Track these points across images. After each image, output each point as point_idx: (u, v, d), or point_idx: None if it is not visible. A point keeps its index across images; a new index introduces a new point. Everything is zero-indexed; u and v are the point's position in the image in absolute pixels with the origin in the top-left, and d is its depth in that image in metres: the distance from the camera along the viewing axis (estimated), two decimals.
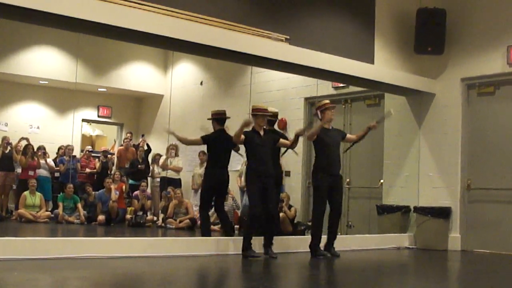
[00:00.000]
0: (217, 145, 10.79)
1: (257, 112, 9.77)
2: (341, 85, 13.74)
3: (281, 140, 10.11)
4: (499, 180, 12.04)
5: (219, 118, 10.93)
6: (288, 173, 14.11)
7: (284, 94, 14.84)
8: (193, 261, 9.01)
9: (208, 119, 11.08)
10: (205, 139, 10.86)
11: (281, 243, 10.30)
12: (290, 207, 13.12)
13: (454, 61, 12.65)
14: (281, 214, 12.71)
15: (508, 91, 12.17)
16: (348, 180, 13.42)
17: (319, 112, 10.10)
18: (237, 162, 14.69)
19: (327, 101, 10.28)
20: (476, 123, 12.47)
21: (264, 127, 9.87)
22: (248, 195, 9.86)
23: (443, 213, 12.24)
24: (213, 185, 10.88)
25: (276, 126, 13.86)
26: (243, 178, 14.15)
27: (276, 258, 9.39)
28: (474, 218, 12.32)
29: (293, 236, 12.03)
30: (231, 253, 9.81)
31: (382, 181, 13.29)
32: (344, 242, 11.27)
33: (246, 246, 9.44)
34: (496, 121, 12.24)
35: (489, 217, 12.12)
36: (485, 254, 11.69)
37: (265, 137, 9.77)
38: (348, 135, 10.67)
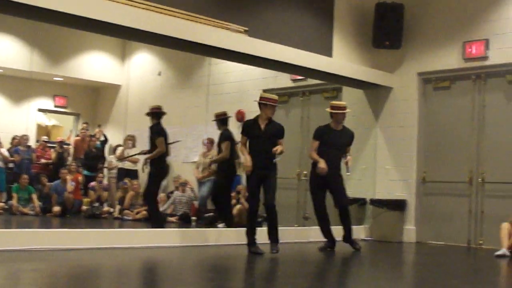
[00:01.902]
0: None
1: (266, 102, 9.22)
2: (299, 77, 13.77)
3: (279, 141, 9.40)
4: (453, 173, 12.22)
5: (155, 112, 11.41)
6: None
7: (242, 86, 14.83)
8: (150, 253, 8.98)
9: (146, 114, 11.55)
10: None
11: (237, 234, 10.33)
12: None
13: (411, 55, 12.78)
14: (238, 206, 12.76)
15: (463, 86, 12.33)
16: (305, 172, 13.46)
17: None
18: (195, 154, 14.71)
19: (344, 104, 10.37)
20: (432, 117, 12.62)
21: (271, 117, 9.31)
22: (246, 189, 9.49)
23: (399, 205, 12.38)
24: None
25: (234, 119, 13.95)
26: (200, 169, 14.16)
27: (277, 252, 9.06)
28: (429, 211, 12.49)
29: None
30: (188, 245, 9.83)
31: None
32: (301, 234, 11.34)
33: (249, 242, 9.21)
34: (451, 115, 12.41)
35: (443, 209, 12.29)
36: (439, 246, 11.85)
37: (267, 128, 9.23)
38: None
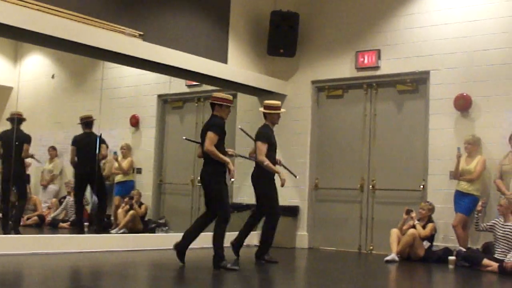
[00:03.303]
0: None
1: (222, 102, 8.73)
2: (195, 83, 13.75)
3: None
4: (345, 180, 12.46)
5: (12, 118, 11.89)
6: (139, 170, 14.01)
7: (137, 91, 14.68)
8: (39, 260, 8.79)
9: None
10: None
11: (132, 240, 10.24)
12: (140, 204, 13.02)
13: (305, 63, 12.98)
14: (131, 212, 12.63)
15: (355, 95, 12.62)
16: (199, 178, 13.43)
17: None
18: None
19: (278, 103, 9.95)
20: (325, 125, 12.85)
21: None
22: (221, 198, 8.62)
23: (292, 211, 12.52)
24: None
25: (129, 123, 13.83)
26: None
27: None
28: (321, 217, 12.70)
29: (144, 234, 12.03)
30: (81, 251, 9.67)
31: (233, 179, 13.37)
32: (195, 240, 11.31)
33: (222, 256, 8.53)
34: (343, 123, 12.67)
35: (335, 215, 12.51)
36: (331, 252, 12.05)
37: None
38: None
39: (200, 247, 10.16)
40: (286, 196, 12.70)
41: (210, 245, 8.50)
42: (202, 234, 8.85)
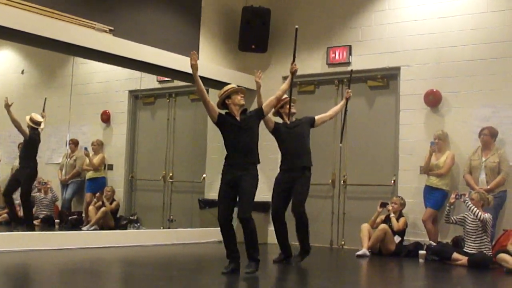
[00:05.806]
0: None
1: (232, 89, 8.53)
2: (166, 79, 13.70)
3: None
4: (316, 175, 12.41)
5: None
6: (111, 167, 13.94)
7: (108, 86, 14.59)
8: (10, 257, 8.72)
9: None
10: None
11: (103, 237, 10.19)
12: (112, 201, 12.96)
13: (276, 59, 13.01)
14: (103, 209, 12.57)
15: (326, 90, 12.66)
16: (171, 174, 13.43)
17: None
18: (59, 155, 14.37)
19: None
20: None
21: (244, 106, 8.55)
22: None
23: (263, 207, 12.52)
24: None
25: (100, 118, 13.76)
26: (63, 172, 13.83)
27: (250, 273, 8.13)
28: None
29: (116, 231, 11.98)
30: (52, 248, 9.62)
31: (204, 175, 13.40)
32: (165, 236, 11.29)
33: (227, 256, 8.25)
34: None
35: (306, 211, 12.44)
36: None
37: (243, 119, 8.49)
38: (319, 117, 10.00)
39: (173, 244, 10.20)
40: (258, 192, 12.70)
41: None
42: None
